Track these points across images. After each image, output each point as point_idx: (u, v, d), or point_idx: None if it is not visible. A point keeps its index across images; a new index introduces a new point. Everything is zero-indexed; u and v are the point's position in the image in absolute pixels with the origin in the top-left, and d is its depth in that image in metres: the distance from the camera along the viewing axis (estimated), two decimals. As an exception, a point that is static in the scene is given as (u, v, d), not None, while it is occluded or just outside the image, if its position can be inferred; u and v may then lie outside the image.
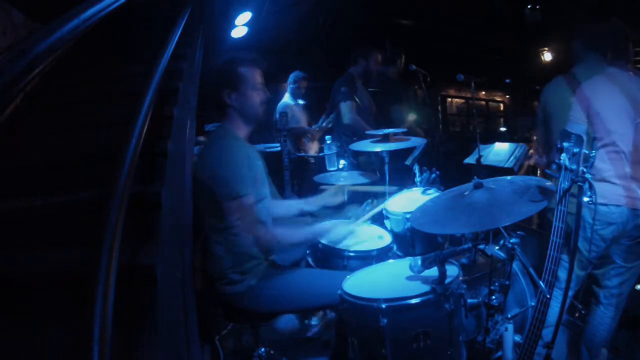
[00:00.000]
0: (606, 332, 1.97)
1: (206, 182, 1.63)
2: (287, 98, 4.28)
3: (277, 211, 1.99)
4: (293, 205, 2.09)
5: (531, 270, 1.53)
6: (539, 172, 2.92)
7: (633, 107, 1.80)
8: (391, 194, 2.42)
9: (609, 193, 1.77)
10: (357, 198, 2.52)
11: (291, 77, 4.28)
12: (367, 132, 2.87)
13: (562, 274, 2.02)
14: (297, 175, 3.70)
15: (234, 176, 1.59)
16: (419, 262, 1.44)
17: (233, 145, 1.68)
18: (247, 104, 1.73)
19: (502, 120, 10.84)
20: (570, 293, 1.95)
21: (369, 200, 2.37)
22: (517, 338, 1.74)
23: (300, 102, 4.28)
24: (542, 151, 2.15)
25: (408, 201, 2.33)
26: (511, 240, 1.51)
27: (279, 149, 3.44)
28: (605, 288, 1.94)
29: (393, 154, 2.53)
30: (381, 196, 2.40)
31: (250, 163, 1.68)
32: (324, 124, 4.39)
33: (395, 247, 2.10)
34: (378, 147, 2.54)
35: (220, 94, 1.71)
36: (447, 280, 1.36)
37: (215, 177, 1.61)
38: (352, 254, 1.91)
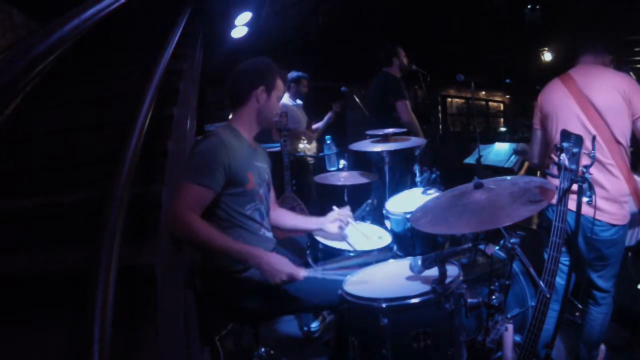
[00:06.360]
0: (604, 329, 1.99)
1: None
2: (285, 99, 4.25)
3: (280, 220, 1.99)
4: (292, 218, 2.05)
5: (531, 270, 1.52)
6: (538, 172, 2.92)
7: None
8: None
9: None
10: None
11: (291, 77, 4.21)
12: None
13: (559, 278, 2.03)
14: (297, 175, 3.69)
15: (196, 163, 1.60)
16: (419, 262, 1.43)
17: (222, 139, 1.65)
18: (268, 109, 1.80)
19: (502, 120, 10.85)
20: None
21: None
22: (517, 338, 1.74)
23: (299, 102, 4.26)
24: (537, 153, 2.16)
25: (408, 201, 2.33)
26: (511, 240, 1.51)
27: (279, 149, 3.45)
28: (601, 290, 1.95)
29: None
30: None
31: (234, 157, 1.64)
32: (321, 125, 4.38)
33: (395, 247, 2.10)
34: (378, 147, 2.54)
35: (255, 89, 1.76)
36: (448, 280, 1.35)
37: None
38: (352, 254, 1.90)
